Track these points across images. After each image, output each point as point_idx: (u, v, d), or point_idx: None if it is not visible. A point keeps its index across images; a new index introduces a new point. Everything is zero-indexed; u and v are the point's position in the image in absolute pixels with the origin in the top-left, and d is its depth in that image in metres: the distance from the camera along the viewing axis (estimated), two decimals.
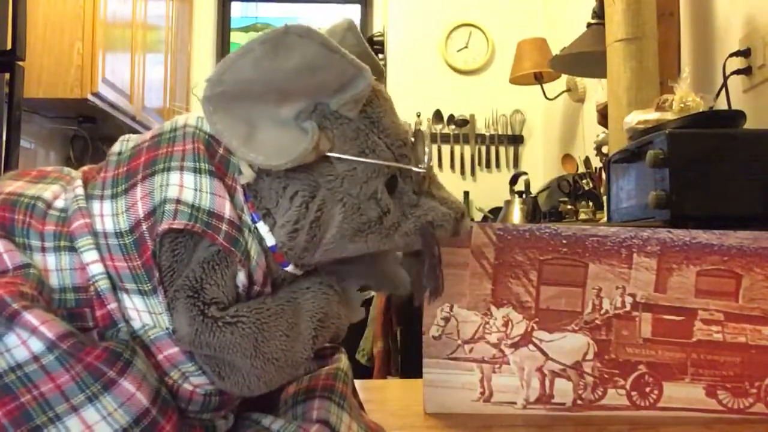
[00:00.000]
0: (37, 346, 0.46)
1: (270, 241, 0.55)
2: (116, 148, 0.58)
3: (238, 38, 4.27)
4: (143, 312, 0.52)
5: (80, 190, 0.55)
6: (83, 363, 0.47)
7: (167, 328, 0.52)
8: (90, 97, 2.63)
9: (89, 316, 0.51)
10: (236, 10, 4.34)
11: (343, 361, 0.67)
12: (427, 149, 0.59)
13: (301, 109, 0.54)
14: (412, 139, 0.59)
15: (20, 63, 2.10)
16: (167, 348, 0.52)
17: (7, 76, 2.06)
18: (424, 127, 3.91)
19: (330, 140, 0.54)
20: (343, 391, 0.63)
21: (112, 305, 0.52)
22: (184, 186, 0.52)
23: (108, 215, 0.54)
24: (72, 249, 0.52)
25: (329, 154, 0.54)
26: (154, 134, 0.57)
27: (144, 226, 0.52)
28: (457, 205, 0.60)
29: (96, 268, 0.52)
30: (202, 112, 0.53)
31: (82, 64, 2.60)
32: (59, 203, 0.55)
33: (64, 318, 0.49)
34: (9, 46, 2.06)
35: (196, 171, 0.53)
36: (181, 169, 0.53)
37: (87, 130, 3.04)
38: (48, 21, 2.59)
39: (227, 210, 0.53)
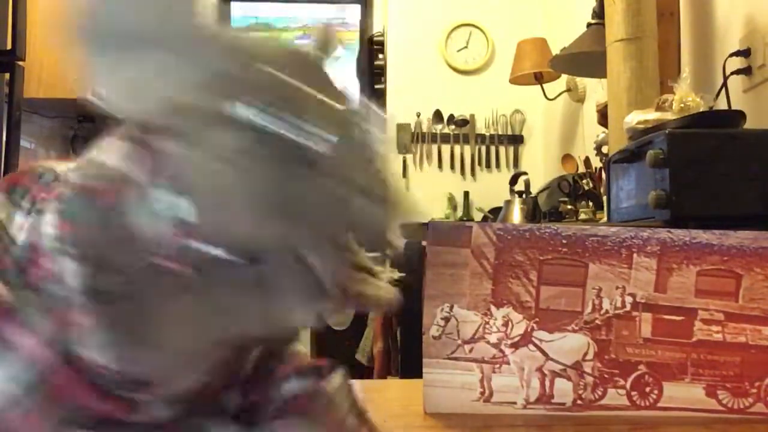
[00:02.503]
0: None
1: None
2: None
3: None
4: None
5: None
6: None
7: None
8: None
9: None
10: (236, 10, 4.34)
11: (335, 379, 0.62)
12: None
13: None
14: None
15: (20, 63, 2.10)
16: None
17: (7, 76, 2.07)
18: (424, 128, 3.91)
19: None
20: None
21: None
22: None
23: None
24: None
25: None
26: None
27: None
28: None
29: None
30: None
31: None
32: None
33: None
34: (9, 46, 2.07)
35: None
36: None
37: (87, 130, 3.04)
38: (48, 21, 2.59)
39: None
